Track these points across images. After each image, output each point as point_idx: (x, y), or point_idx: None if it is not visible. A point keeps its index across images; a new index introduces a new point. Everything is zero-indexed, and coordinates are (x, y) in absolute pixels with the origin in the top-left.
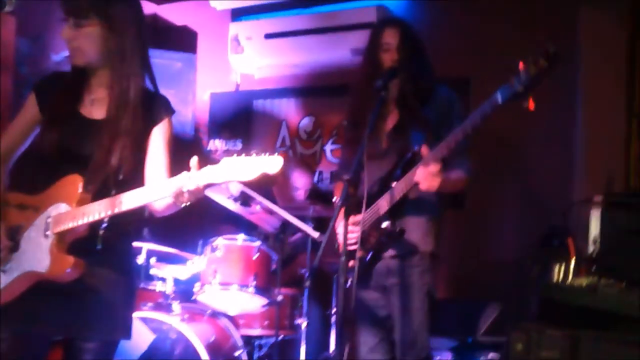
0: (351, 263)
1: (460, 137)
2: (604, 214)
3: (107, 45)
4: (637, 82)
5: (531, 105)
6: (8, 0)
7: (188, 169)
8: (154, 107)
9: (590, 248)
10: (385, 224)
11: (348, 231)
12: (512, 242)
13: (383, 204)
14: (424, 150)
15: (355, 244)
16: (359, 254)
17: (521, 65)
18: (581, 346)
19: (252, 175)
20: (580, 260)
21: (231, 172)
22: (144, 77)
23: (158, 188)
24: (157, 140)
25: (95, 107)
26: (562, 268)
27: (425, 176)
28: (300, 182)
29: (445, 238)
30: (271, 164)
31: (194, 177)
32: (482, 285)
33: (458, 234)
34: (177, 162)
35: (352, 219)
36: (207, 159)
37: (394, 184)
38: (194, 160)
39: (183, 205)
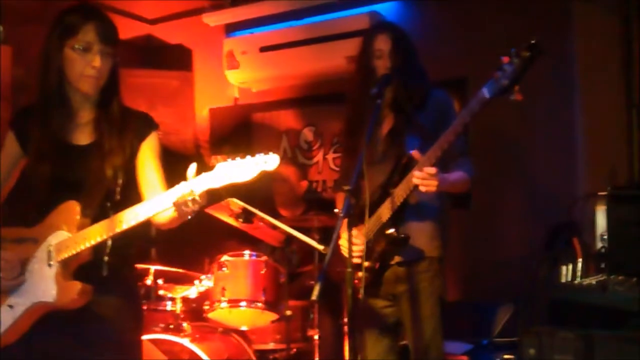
0: (359, 274)
1: (452, 137)
2: (609, 209)
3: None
4: (634, 72)
5: (519, 96)
6: None
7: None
8: (138, 123)
9: (598, 244)
10: (389, 231)
11: (352, 243)
12: (519, 241)
13: (385, 211)
14: (416, 154)
15: (360, 256)
16: (366, 265)
17: (505, 59)
18: (595, 347)
19: (251, 175)
20: (588, 258)
21: (229, 175)
22: (121, 97)
23: (158, 201)
24: (147, 156)
25: (81, 132)
26: (570, 267)
27: (423, 178)
28: (294, 178)
29: (453, 239)
30: (268, 161)
31: (193, 185)
32: (491, 286)
33: (465, 235)
34: (181, 179)
35: (355, 230)
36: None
37: (393, 190)
38: (191, 169)
39: (187, 216)
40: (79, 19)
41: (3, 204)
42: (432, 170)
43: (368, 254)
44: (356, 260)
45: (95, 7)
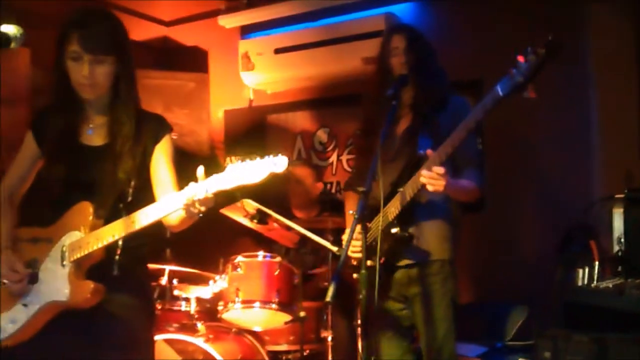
0: (356, 275)
1: (464, 134)
2: (626, 211)
3: (116, 77)
4: None
5: (532, 94)
6: (14, 37)
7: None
8: (152, 126)
9: (615, 247)
10: (393, 230)
11: (354, 239)
12: (534, 244)
13: (392, 209)
14: (429, 152)
15: (359, 252)
16: (369, 263)
17: (520, 57)
18: (609, 350)
19: (260, 176)
20: (604, 261)
21: (238, 177)
22: (138, 100)
23: (168, 202)
24: (161, 158)
25: (95, 134)
26: (587, 270)
27: (430, 177)
28: (310, 180)
29: (467, 241)
30: (277, 163)
31: (202, 186)
32: (506, 288)
33: (480, 237)
34: (196, 180)
35: (358, 227)
36: None
37: (402, 188)
38: (200, 170)
39: (197, 216)
40: (67, 29)
41: (22, 203)
42: (441, 170)
43: (373, 252)
44: (356, 256)
45: (90, 13)
